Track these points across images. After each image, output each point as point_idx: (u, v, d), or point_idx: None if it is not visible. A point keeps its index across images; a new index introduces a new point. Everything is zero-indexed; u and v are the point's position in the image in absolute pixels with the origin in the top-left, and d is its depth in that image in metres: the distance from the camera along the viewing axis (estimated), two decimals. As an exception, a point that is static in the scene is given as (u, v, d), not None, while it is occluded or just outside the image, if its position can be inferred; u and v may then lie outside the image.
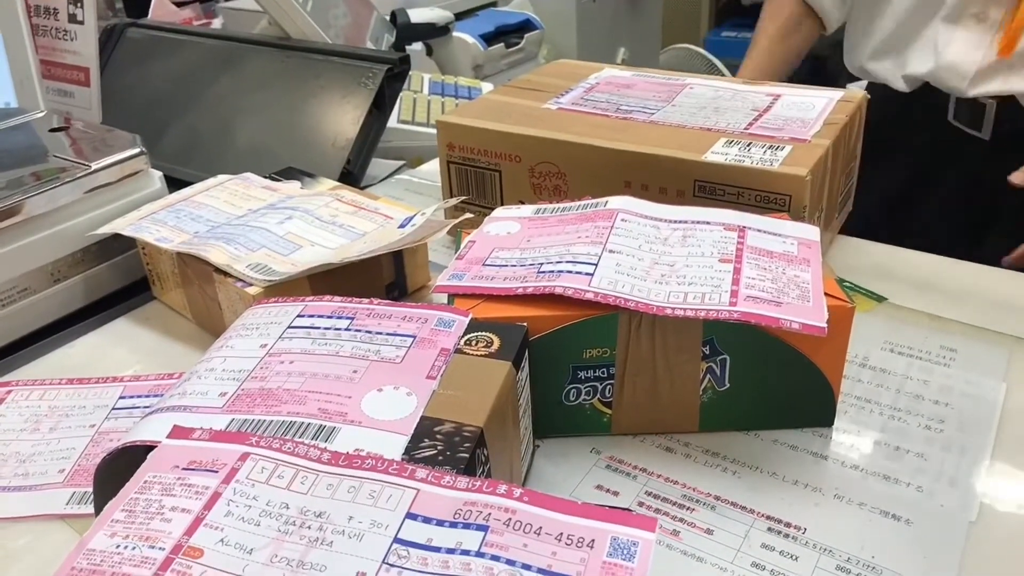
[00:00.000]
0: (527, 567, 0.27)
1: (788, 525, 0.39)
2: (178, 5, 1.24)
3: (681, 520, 0.40)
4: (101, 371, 0.52)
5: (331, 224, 0.56)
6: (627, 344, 0.42)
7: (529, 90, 0.66)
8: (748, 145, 0.54)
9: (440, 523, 0.29)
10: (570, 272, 0.42)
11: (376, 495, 0.30)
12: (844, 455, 0.43)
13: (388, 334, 0.39)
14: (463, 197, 0.63)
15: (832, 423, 0.45)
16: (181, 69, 0.87)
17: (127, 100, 0.86)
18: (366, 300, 0.42)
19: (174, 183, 0.65)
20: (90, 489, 0.42)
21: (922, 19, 0.86)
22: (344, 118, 0.75)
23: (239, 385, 0.37)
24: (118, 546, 0.29)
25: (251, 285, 0.50)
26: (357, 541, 0.28)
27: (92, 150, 0.62)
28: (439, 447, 0.32)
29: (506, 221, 0.50)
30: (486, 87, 1.01)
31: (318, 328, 0.40)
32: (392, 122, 0.86)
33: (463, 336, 0.39)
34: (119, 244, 0.60)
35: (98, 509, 0.37)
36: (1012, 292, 0.57)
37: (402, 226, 0.54)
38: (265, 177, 0.65)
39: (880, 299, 0.56)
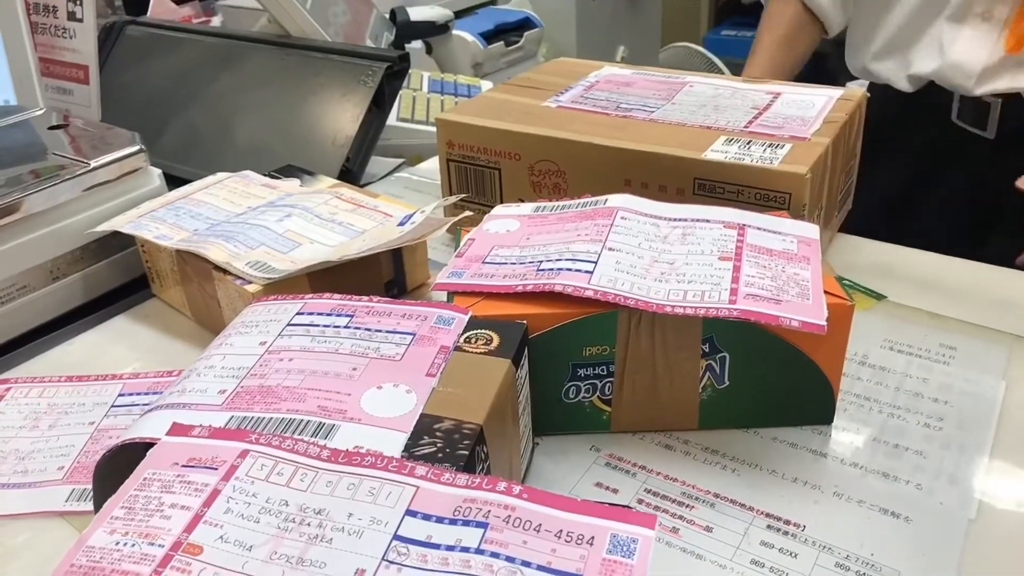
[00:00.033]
0: (527, 564, 0.27)
1: (787, 522, 0.39)
2: (177, 3, 1.24)
3: (680, 517, 0.40)
4: (100, 369, 0.52)
5: (330, 222, 0.56)
6: (627, 342, 0.42)
7: (529, 88, 0.66)
8: (748, 143, 0.54)
9: (440, 520, 0.29)
10: (570, 270, 0.42)
11: (376, 492, 0.30)
12: (843, 453, 0.43)
13: (388, 332, 0.39)
14: (462, 195, 0.63)
15: (831, 421, 0.45)
16: (180, 67, 0.87)
17: (126, 98, 0.86)
18: (365, 298, 0.42)
19: (173, 181, 0.65)
20: (89, 486, 0.42)
21: (926, 18, 0.86)
22: (343, 116, 0.75)
23: (238, 382, 0.37)
24: (117, 543, 0.28)
25: (250, 283, 0.50)
26: (357, 538, 0.28)
27: (91, 148, 0.62)
28: (439, 444, 0.32)
29: (506, 219, 0.50)
30: (485, 85, 1.01)
31: (317, 325, 0.40)
32: (391, 120, 0.86)
33: (463, 334, 0.39)
34: (118, 242, 0.60)
35: (97, 506, 0.37)
36: (1011, 290, 0.57)
37: (401, 224, 0.54)
38: (264, 175, 0.64)
39: (879, 297, 0.56)
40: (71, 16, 0.78)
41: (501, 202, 0.61)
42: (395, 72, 0.76)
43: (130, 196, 0.61)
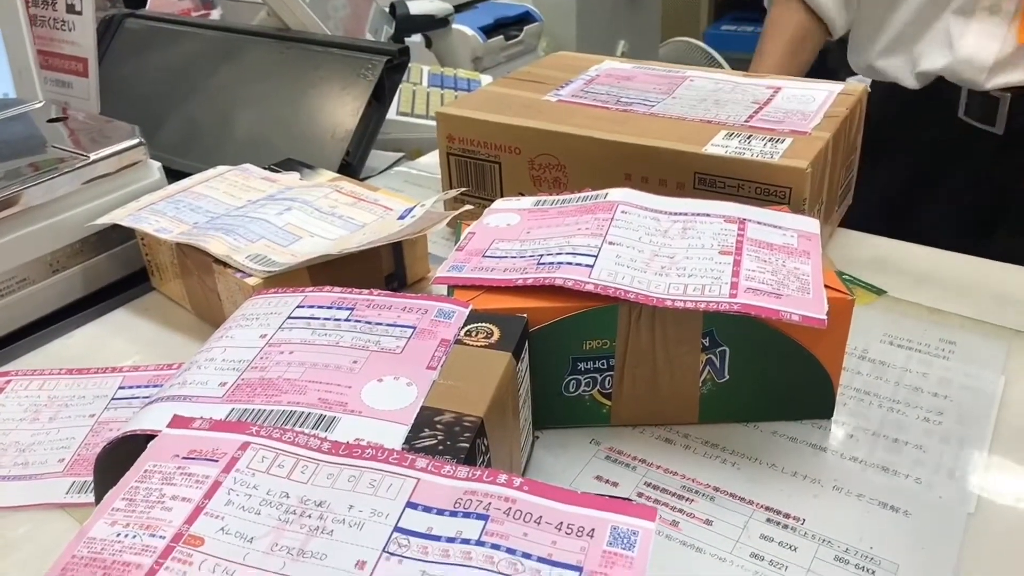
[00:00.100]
0: (527, 556, 0.27)
1: (787, 516, 0.39)
2: (176, -4, 1.24)
3: (680, 511, 0.40)
4: (100, 361, 0.52)
5: (330, 215, 0.56)
6: (627, 335, 0.42)
7: (529, 82, 0.66)
8: (748, 138, 0.54)
9: (440, 512, 0.29)
10: (570, 264, 0.42)
11: (376, 484, 0.30)
12: (843, 447, 0.43)
13: (388, 325, 0.39)
14: (463, 189, 0.63)
15: (831, 415, 0.45)
16: (180, 60, 0.87)
17: (125, 91, 0.86)
18: (366, 291, 0.42)
19: (173, 174, 0.65)
20: (90, 478, 0.42)
21: (933, 14, 0.86)
22: (343, 109, 0.75)
23: (239, 375, 0.37)
24: (119, 534, 0.29)
25: (250, 276, 0.50)
26: (357, 530, 0.28)
27: (90, 141, 0.61)
28: (439, 437, 0.33)
29: (506, 213, 0.50)
30: (485, 79, 1.01)
31: (318, 318, 0.40)
32: (391, 114, 0.86)
33: (463, 327, 0.39)
34: (118, 235, 0.60)
35: (98, 498, 0.37)
36: (1011, 285, 0.57)
37: (401, 217, 0.54)
38: (264, 168, 0.64)
39: (879, 292, 0.56)
40: (70, 9, 0.78)
41: (501, 196, 0.60)
42: (395, 66, 0.76)
43: (130, 189, 0.61)
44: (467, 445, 0.32)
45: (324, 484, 0.30)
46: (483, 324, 0.39)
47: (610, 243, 0.44)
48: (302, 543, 0.28)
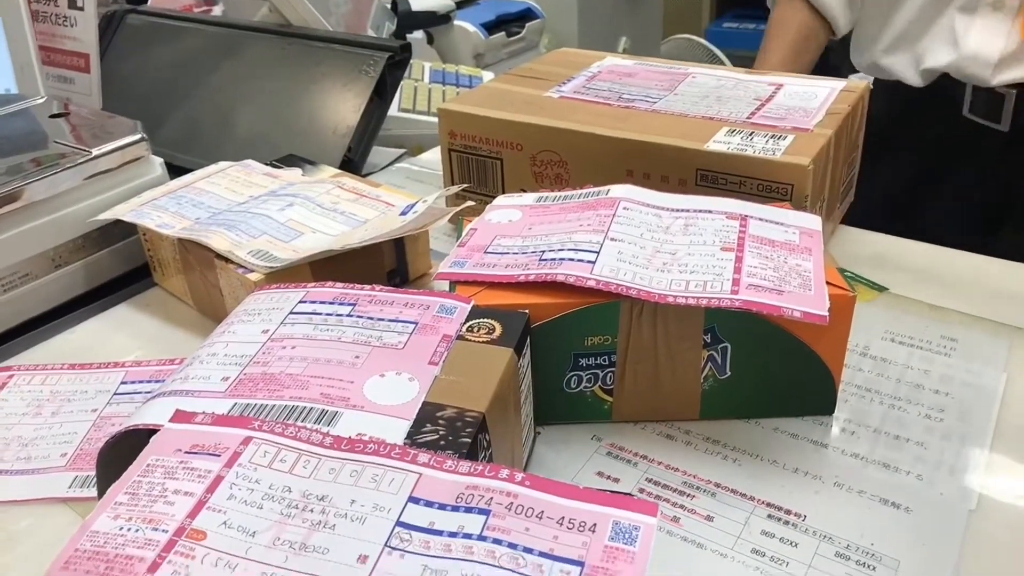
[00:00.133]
0: (529, 551, 0.27)
1: (788, 512, 0.40)
2: (178, -8, 1.24)
3: (681, 507, 0.40)
4: (102, 357, 0.52)
5: (332, 211, 0.56)
6: (628, 332, 0.42)
7: (531, 78, 0.66)
8: (750, 134, 0.54)
9: (442, 507, 0.29)
10: (572, 260, 0.42)
11: (378, 479, 0.30)
12: (844, 443, 0.44)
13: (390, 320, 0.39)
14: (464, 185, 0.63)
15: (833, 412, 0.45)
16: (181, 56, 0.87)
17: (127, 87, 0.86)
18: (368, 286, 0.42)
19: (175, 170, 0.65)
20: (92, 473, 0.42)
21: (937, 11, 0.86)
22: (345, 106, 0.75)
23: (241, 370, 0.37)
24: (121, 528, 0.29)
25: (252, 271, 0.50)
26: (359, 524, 0.28)
27: (92, 136, 0.61)
28: (441, 432, 0.33)
29: (508, 209, 0.50)
30: (487, 76, 1.01)
31: (320, 314, 0.40)
32: (393, 110, 0.85)
33: (465, 323, 0.39)
34: (120, 230, 0.60)
35: (101, 492, 0.37)
36: (1012, 282, 0.57)
37: (403, 213, 0.54)
38: (266, 164, 0.64)
39: (881, 289, 0.57)
40: (72, 4, 0.78)
41: (503, 192, 0.61)
42: (397, 62, 0.76)
43: (132, 185, 0.61)
44: (469, 440, 0.32)
45: (326, 479, 0.30)
46: (485, 320, 0.39)
47: (612, 239, 0.44)
48: (304, 537, 0.28)
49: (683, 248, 0.44)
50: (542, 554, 0.27)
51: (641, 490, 0.41)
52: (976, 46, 0.82)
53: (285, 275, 0.49)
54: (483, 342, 0.38)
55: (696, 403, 0.44)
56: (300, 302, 0.41)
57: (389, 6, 1.10)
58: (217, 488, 0.30)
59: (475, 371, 0.36)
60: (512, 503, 0.29)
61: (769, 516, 0.39)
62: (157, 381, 0.49)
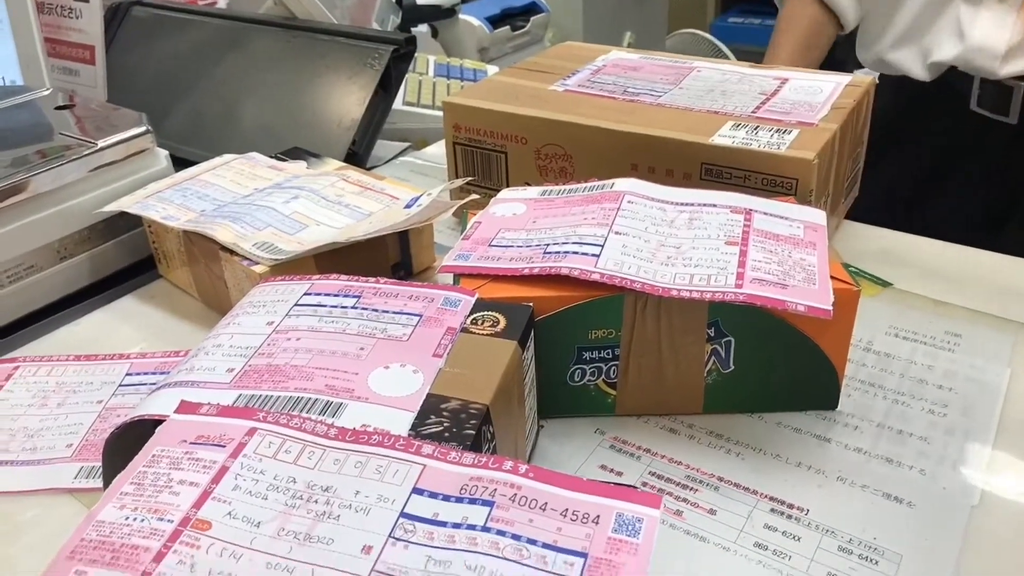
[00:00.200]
0: (532, 542, 0.27)
1: (791, 506, 0.40)
2: (183, -16, 1.23)
3: (684, 500, 0.40)
4: (108, 348, 0.53)
5: (337, 204, 0.56)
6: (632, 325, 0.42)
7: (536, 72, 0.66)
8: (755, 128, 0.54)
9: (446, 498, 0.29)
10: (576, 253, 0.42)
11: (383, 470, 0.30)
12: (847, 438, 0.44)
13: (395, 312, 0.39)
14: (469, 178, 0.63)
15: (836, 406, 0.45)
16: (186, 48, 0.87)
17: (132, 79, 0.86)
18: (373, 279, 0.42)
19: (179, 162, 0.65)
20: (97, 463, 0.43)
21: (943, 3, 0.86)
22: (350, 99, 0.75)
23: (246, 361, 0.37)
24: (127, 518, 0.29)
25: (257, 264, 0.50)
26: (364, 515, 0.29)
27: (97, 128, 0.62)
28: (445, 424, 0.33)
29: (512, 202, 0.50)
30: (491, 70, 1.01)
31: (325, 306, 0.40)
32: (397, 104, 0.85)
33: (469, 315, 0.39)
34: (125, 222, 0.60)
35: (107, 483, 0.37)
36: (1017, 278, 0.57)
37: (408, 206, 0.54)
38: (271, 157, 0.64)
39: (885, 284, 0.56)
40: (77, -4, 0.78)
41: (507, 186, 0.61)
42: (401, 55, 0.76)
43: (137, 177, 0.61)
44: (473, 432, 0.32)
45: (331, 469, 0.30)
46: (489, 313, 0.39)
47: (616, 233, 0.44)
48: (309, 528, 0.28)
49: (687, 242, 0.44)
50: (546, 545, 0.27)
51: (644, 483, 0.41)
52: (982, 38, 0.82)
53: (290, 267, 0.49)
54: (487, 335, 0.38)
55: (699, 397, 0.45)
56: (305, 294, 0.41)
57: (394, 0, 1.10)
58: (222, 479, 0.30)
59: (479, 364, 0.36)
60: (516, 495, 0.29)
61: (772, 510, 0.39)
62: (162, 373, 0.49)
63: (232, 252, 0.51)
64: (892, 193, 0.93)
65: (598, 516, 0.28)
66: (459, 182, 0.60)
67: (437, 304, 0.40)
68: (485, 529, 0.28)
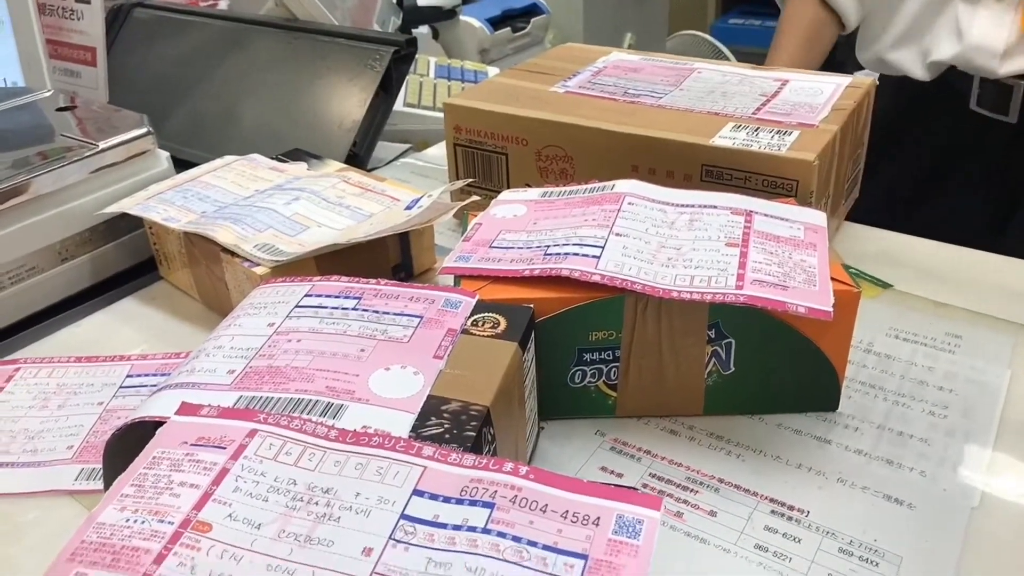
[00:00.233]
0: (533, 544, 0.27)
1: (791, 508, 0.40)
2: (184, -14, 1.24)
3: (685, 502, 0.40)
4: (108, 350, 0.53)
5: (338, 205, 0.56)
6: (633, 327, 0.42)
7: (536, 73, 0.66)
8: (756, 130, 0.54)
9: (447, 500, 0.29)
10: (577, 255, 0.42)
11: (383, 472, 0.30)
12: (848, 439, 0.44)
13: (395, 314, 0.40)
14: (469, 180, 0.63)
15: (836, 408, 0.45)
16: (188, 50, 0.87)
17: (133, 80, 0.86)
18: (373, 280, 0.42)
19: (181, 164, 0.65)
20: (98, 465, 0.43)
21: (941, 3, 0.86)
22: (351, 100, 0.75)
23: (247, 363, 0.37)
24: (128, 520, 0.29)
25: (258, 265, 0.50)
26: (364, 517, 0.29)
27: (99, 130, 0.62)
28: (446, 425, 0.33)
29: (513, 204, 0.50)
30: (492, 71, 1.01)
31: (326, 307, 0.40)
32: (398, 105, 0.86)
33: (470, 317, 0.39)
34: (126, 224, 0.60)
35: (107, 484, 0.37)
36: (1018, 280, 0.57)
37: (409, 208, 0.55)
38: (272, 158, 0.65)
39: (885, 285, 0.56)
40: (79, -2, 0.78)
41: (508, 187, 0.61)
42: (402, 56, 0.76)
43: (138, 178, 0.61)
44: (473, 434, 0.32)
45: (331, 471, 0.30)
46: (490, 314, 0.39)
47: (617, 234, 0.44)
48: (309, 530, 0.28)
49: (688, 243, 0.44)
50: (546, 547, 0.27)
51: (644, 485, 0.41)
52: (981, 36, 0.83)
53: (290, 269, 0.49)
54: (488, 336, 0.38)
55: (700, 399, 0.45)
56: (306, 296, 0.41)
57: (395, 1, 1.10)
58: (223, 480, 0.30)
59: (480, 365, 0.36)
60: (516, 496, 0.29)
61: (772, 512, 0.39)
62: (163, 374, 0.49)
63: (233, 253, 0.51)
64: (892, 194, 0.93)
65: (598, 518, 0.28)
66: (460, 184, 0.60)
67: (438, 305, 0.40)
68: (485, 531, 0.28)
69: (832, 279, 0.41)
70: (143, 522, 0.29)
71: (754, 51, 1.02)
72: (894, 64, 0.92)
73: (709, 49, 1.97)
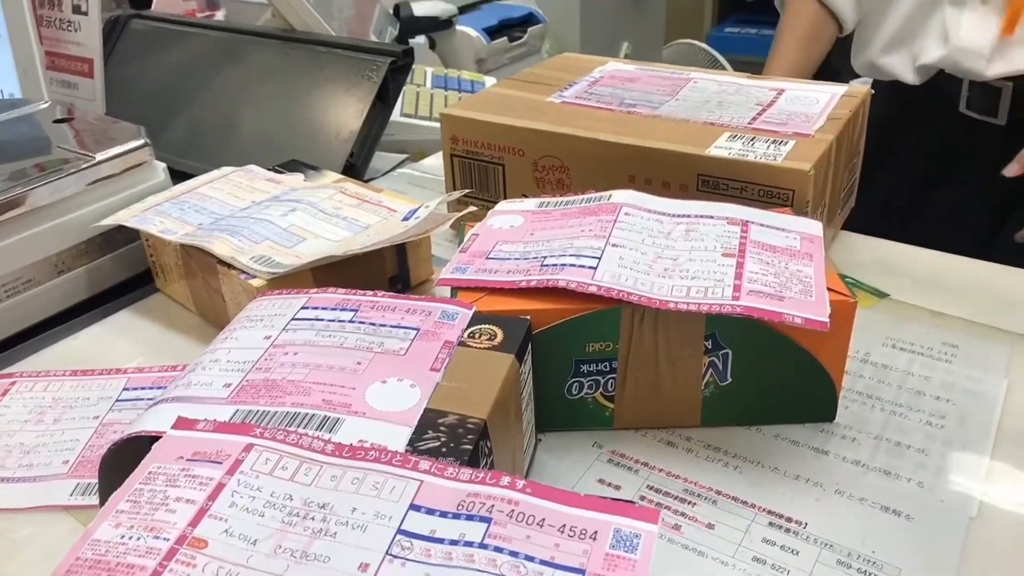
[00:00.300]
0: (530, 558, 0.27)
1: (789, 520, 0.40)
2: (181, -3, 1.24)
3: (682, 514, 0.40)
4: (105, 363, 0.53)
5: (335, 217, 0.56)
6: (630, 338, 0.42)
7: (533, 83, 0.66)
8: (752, 140, 0.54)
9: (443, 514, 0.29)
10: (573, 266, 0.42)
11: (380, 486, 0.30)
12: (845, 450, 0.43)
13: (392, 326, 0.39)
14: (466, 190, 0.63)
15: (833, 418, 0.45)
16: (185, 61, 0.87)
17: (131, 92, 0.86)
18: (370, 292, 0.42)
19: (177, 175, 0.65)
20: (94, 480, 0.42)
21: (930, 6, 0.87)
22: (348, 111, 0.75)
23: (243, 376, 0.37)
24: (123, 536, 0.29)
25: (255, 277, 0.50)
26: (361, 532, 0.28)
27: (96, 141, 0.62)
28: (443, 439, 0.33)
29: (509, 215, 0.50)
30: (489, 81, 1.01)
31: (322, 320, 0.40)
32: (395, 115, 0.86)
33: (466, 329, 0.39)
34: (123, 236, 0.60)
35: (103, 500, 0.37)
36: (1014, 289, 0.57)
37: (406, 219, 0.55)
38: (269, 169, 0.65)
39: (882, 295, 0.57)
40: (76, 9, 0.78)
41: (505, 198, 0.61)
42: (399, 67, 0.76)
43: (135, 190, 0.61)
44: (470, 447, 0.32)
45: (328, 486, 0.30)
46: (486, 326, 0.39)
47: (613, 245, 0.44)
48: (305, 545, 0.28)
49: (684, 254, 0.44)
50: (543, 562, 0.27)
51: (642, 497, 0.41)
52: (967, 39, 0.84)
53: (287, 281, 0.49)
54: (484, 348, 0.38)
55: (697, 410, 0.44)
56: (302, 308, 0.41)
57: (392, 11, 1.10)
58: (219, 496, 0.30)
59: (476, 377, 0.36)
60: (513, 511, 0.29)
61: (770, 524, 0.39)
62: (159, 388, 0.49)
63: (230, 266, 0.51)
64: (888, 202, 0.94)
65: (596, 532, 0.28)
66: (457, 194, 0.61)
67: (434, 317, 0.40)
68: (482, 546, 0.28)
69: (828, 289, 0.41)
70: (138, 538, 0.29)
71: (750, 60, 1.03)
72: (885, 68, 0.93)
73: (705, 58, 1.97)
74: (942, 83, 0.88)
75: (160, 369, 0.51)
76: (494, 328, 0.39)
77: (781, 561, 0.37)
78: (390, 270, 0.57)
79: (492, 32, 1.46)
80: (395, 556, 0.28)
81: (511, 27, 1.53)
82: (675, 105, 0.61)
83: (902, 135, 0.94)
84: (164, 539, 0.28)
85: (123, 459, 0.34)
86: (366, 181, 0.74)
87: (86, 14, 0.78)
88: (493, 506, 0.29)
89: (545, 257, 0.44)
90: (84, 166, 0.58)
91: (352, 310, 0.41)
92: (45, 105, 0.69)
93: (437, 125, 0.64)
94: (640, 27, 2.01)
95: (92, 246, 0.59)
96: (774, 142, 0.53)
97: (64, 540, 0.40)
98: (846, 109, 0.58)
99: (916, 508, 0.40)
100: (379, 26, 0.97)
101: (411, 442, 0.33)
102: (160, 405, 0.36)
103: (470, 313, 0.40)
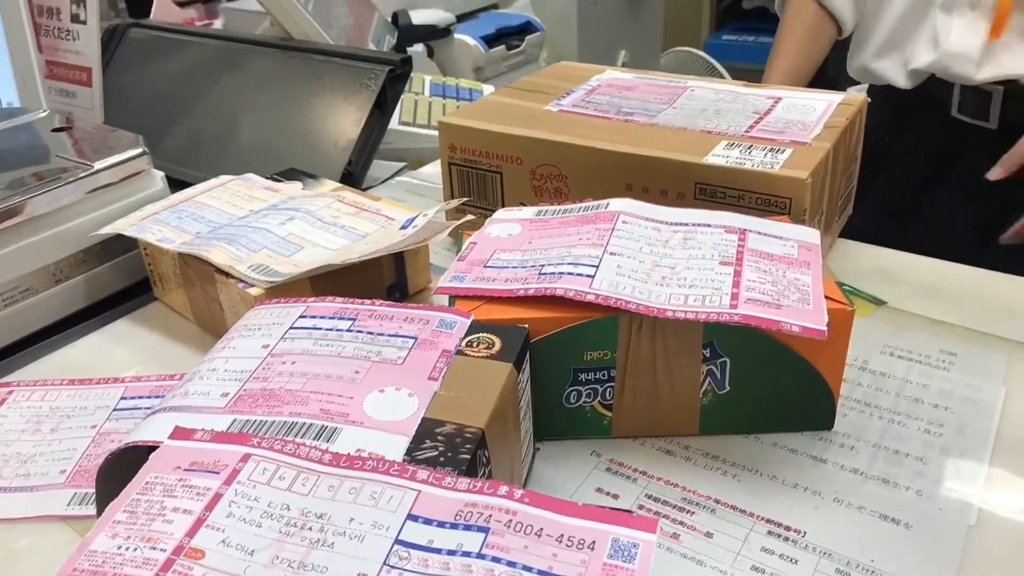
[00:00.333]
0: (528, 569, 0.27)
1: (788, 528, 0.39)
2: (180, 5, 1.24)
3: (681, 523, 0.40)
4: (102, 372, 0.52)
5: (333, 225, 0.56)
6: (628, 346, 0.42)
7: (531, 92, 0.66)
8: (749, 148, 0.54)
9: (441, 524, 0.29)
10: (571, 274, 0.42)
11: (377, 496, 0.30)
12: (843, 458, 0.43)
13: (390, 335, 0.39)
14: (464, 199, 0.63)
15: (832, 426, 0.45)
16: (183, 70, 0.87)
17: (129, 100, 0.86)
18: (368, 301, 0.42)
19: (176, 184, 0.66)
20: (91, 490, 0.42)
21: (921, 11, 0.88)
22: (346, 119, 0.75)
23: (241, 385, 0.37)
24: (120, 547, 0.29)
25: (253, 286, 0.50)
26: (358, 542, 0.28)
27: (94, 150, 0.62)
28: (440, 448, 0.33)
29: (507, 223, 0.50)
30: (487, 89, 1.01)
31: (320, 329, 0.40)
32: (393, 124, 0.86)
33: (464, 337, 0.39)
34: (121, 244, 0.60)
35: (100, 510, 0.37)
36: (1012, 296, 0.57)
37: (404, 227, 0.55)
38: (267, 178, 0.65)
39: (880, 303, 0.57)
40: (74, 18, 0.78)
41: (503, 206, 0.61)
42: (397, 75, 0.76)
43: (133, 199, 0.61)
44: (468, 456, 0.32)
45: (325, 496, 0.30)
46: (484, 335, 0.39)
47: (611, 253, 0.44)
48: (303, 556, 0.28)
49: (682, 262, 0.44)
50: (541, 572, 0.27)
51: (640, 506, 0.41)
52: (957, 44, 0.85)
53: (285, 290, 0.49)
54: (482, 357, 0.38)
55: (695, 418, 0.44)
56: (300, 317, 0.41)
57: (390, 20, 1.10)
58: (216, 506, 0.30)
59: (474, 386, 0.36)
60: (511, 520, 0.29)
61: (769, 532, 0.39)
62: (157, 397, 0.49)
63: (228, 274, 0.51)
64: (884, 209, 0.94)
65: (594, 542, 0.28)
66: (455, 203, 0.61)
67: (432, 326, 0.40)
68: (480, 556, 0.28)
69: (826, 297, 0.41)
70: (135, 549, 0.28)
71: (748, 67, 1.04)
72: (878, 73, 0.94)
73: (703, 65, 1.98)
74: (934, 87, 0.89)
75: (158, 378, 0.51)
76: (492, 337, 0.39)
77: (780, 570, 0.37)
78: (388, 279, 0.57)
79: (490, 40, 1.47)
80: (392, 567, 0.27)
81: (509, 35, 1.53)
82: (672, 113, 0.61)
83: (896, 141, 0.95)
84: (161, 550, 0.28)
85: (120, 469, 0.34)
86: (364, 189, 0.74)
87: (85, 23, 0.78)
88: (491, 516, 0.29)
89: (543, 265, 0.44)
90: (82, 175, 0.58)
91: (350, 319, 0.41)
92: (44, 114, 0.69)
93: (435, 133, 0.64)
94: (637, 35, 2.02)
95: (90, 255, 0.59)
96: (771, 150, 0.54)
97: (62, 550, 0.39)
98: (843, 117, 0.58)
99: (915, 516, 0.40)
100: (377, 35, 0.97)
101: (409, 451, 0.33)
102: (158, 414, 0.36)
103: (468, 322, 0.40)
